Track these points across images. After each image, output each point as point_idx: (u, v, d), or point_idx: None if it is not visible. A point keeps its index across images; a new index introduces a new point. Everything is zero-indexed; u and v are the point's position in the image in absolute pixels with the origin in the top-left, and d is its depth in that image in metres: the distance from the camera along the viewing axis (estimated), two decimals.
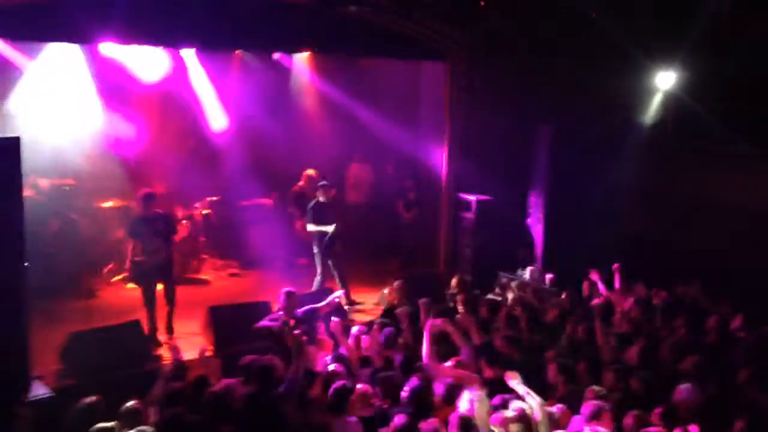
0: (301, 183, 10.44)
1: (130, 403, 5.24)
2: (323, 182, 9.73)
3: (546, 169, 10.63)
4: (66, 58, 9.74)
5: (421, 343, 6.39)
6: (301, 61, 11.69)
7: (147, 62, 10.34)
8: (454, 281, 8.98)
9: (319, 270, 9.62)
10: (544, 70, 10.34)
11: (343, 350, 6.66)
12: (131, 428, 4.99)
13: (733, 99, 9.31)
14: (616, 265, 8.40)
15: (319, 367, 6.24)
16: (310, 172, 10.41)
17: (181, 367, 6.31)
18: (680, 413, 5.32)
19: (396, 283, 8.82)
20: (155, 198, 8.30)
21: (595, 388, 5.57)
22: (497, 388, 5.52)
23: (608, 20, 9.69)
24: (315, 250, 9.64)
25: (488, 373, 6.02)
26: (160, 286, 8.33)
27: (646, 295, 8.14)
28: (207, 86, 11.02)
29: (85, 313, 8.44)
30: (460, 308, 7.68)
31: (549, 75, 10.32)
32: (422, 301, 7.34)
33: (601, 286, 8.27)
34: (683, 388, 5.52)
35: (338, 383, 5.50)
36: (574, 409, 5.31)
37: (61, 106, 9.93)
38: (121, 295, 9.57)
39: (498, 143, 10.49)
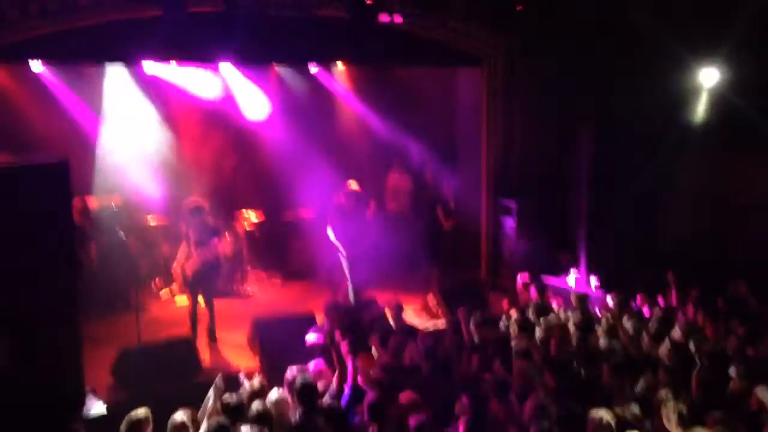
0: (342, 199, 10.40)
1: (178, 417, 5.32)
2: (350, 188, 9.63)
3: (587, 171, 10.52)
4: (112, 79, 10.09)
5: (461, 354, 6.40)
6: (336, 72, 11.80)
7: (191, 79, 10.60)
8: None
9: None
10: (584, 72, 10.24)
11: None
12: None
13: None
14: (669, 274, 8.24)
15: (365, 379, 6.28)
16: (353, 186, 10.39)
17: (232, 379, 6.41)
18: None
19: (434, 293, 8.82)
20: (203, 209, 8.54)
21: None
22: None
23: (648, 18, 9.57)
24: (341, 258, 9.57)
25: None
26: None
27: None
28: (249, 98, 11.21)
29: (136, 327, 8.63)
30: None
31: (588, 76, 10.22)
32: (460, 311, 7.31)
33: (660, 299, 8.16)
34: None
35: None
36: None
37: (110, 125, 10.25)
38: (170, 309, 9.79)
39: (538, 146, 10.42)
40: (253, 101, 11.26)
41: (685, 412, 5.01)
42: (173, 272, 8.92)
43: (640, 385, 5.73)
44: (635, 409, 5.29)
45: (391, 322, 7.89)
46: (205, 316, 8.64)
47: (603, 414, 4.97)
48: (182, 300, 9.80)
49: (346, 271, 9.51)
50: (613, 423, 4.88)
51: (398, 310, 7.93)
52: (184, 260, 8.51)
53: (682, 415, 4.99)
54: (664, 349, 6.55)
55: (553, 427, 4.97)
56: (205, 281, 8.58)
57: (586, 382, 6.02)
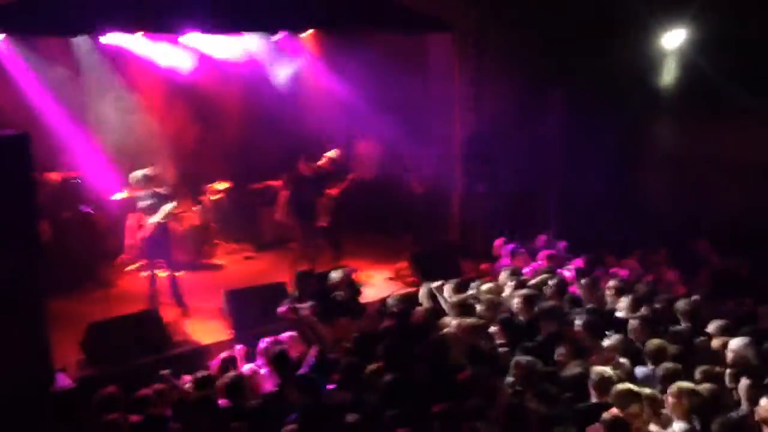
0: (322, 162, 10.38)
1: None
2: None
3: (558, 134, 10.54)
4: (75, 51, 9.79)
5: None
6: (305, 39, 11.60)
7: (156, 50, 10.34)
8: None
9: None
10: (553, 35, 10.19)
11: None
12: None
13: (743, 55, 9.16)
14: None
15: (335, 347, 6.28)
16: (331, 154, 10.24)
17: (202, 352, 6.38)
18: None
19: (406, 261, 8.85)
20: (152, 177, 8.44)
21: None
22: None
23: None
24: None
25: None
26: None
27: None
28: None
29: (104, 303, 8.50)
30: None
31: (558, 40, 10.17)
32: (435, 285, 7.30)
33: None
34: None
35: None
36: None
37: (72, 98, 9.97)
38: (138, 283, 9.64)
39: (510, 111, 10.39)
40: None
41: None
42: (125, 244, 8.76)
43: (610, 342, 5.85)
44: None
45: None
46: (167, 287, 8.53)
47: (604, 370, 5.14)
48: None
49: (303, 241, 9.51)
50: (614, 377, 5.03)
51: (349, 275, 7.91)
52: (136, 230, 8.38)
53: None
54: (623, 303, 6.71)
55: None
56: (159, 250, 8.46)
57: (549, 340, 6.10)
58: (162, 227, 8.43)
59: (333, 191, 9.96)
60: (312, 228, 9.56)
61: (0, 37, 8.75)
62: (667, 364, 5.34)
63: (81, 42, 9.77)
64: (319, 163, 10.01)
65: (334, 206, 10.07)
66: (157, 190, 8.48)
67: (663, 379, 5.20)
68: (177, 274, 8.71)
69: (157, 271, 8.56)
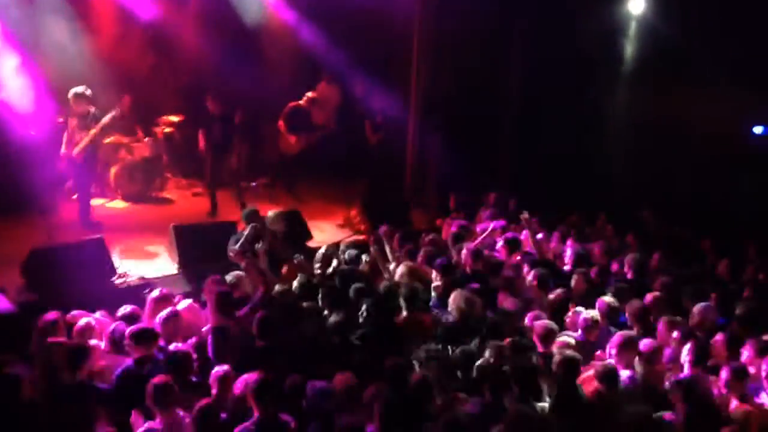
0: (301, 102, 10.32)
1: None
2: None
3: (516, 92, 10.61)
4: None
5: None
6: None
7: None
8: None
9: None
10: None
11: None
12: None
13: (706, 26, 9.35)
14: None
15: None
16: (311, 94, 10.49)
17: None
18: None
19: (358, 207, 8.89)
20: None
21: None
22: None
23: None
24: None
25: None
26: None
27: None
28: None
29: (48, 229, 8.33)
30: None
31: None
32: (383, 230, 7.38)
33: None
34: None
35: None
36: None
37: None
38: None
39: (469, 65, 10.38)
40: None
41: None
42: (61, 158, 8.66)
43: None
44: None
45: None
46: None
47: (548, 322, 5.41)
48: (96, 202, 9.51)
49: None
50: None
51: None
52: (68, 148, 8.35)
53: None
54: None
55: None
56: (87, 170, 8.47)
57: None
58: (92, 146, 8.34)
59: (301, 141, 9.89)
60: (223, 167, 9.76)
61: None
62: None
63: None
64: (301, 102, 10.17)
65: (296, 154, 10.10)
66: (93, 109, 8.35)
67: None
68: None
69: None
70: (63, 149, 8.50)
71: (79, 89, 8.38)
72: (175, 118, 10.84)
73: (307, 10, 11.44)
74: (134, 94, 10.43)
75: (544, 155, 10.26)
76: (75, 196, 8.57)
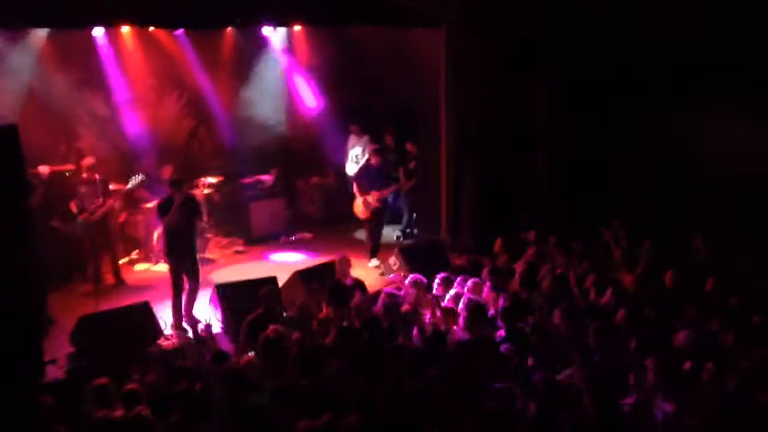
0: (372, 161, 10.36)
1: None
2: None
3: (544, 131, 10.59)
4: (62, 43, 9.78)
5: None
6: (294, 33, 11.65)
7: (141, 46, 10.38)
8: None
9: None
10: (542, 32, 10.27)
11: None
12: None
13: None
14: None
15: None
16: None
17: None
18: None
19: (395, 254, 8.93)
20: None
21: None
22: None
23: None
24: None
25: None
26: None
27: None
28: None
29: (95, 296, 8.52)
30: None
31: (547, 37, 10.25)
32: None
33: None
34: None
35: None
36: None
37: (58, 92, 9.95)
38: (129, 277, 9.68)
39: (498, 106, 10.42)
40: None
41: None
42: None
43: None
44: None
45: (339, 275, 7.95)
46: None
47: None
48: (140, 267, 9.70)
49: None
50: None
51: (345, 264, 7.96)
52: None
53: None
54: None
55: None
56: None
57: None
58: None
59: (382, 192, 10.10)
60: None
61: None
62: None
63: (71, 35, 9.76)
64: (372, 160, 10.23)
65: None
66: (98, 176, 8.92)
67: None
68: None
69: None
70: (78, 218, 8.77)
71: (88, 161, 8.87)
72: (213, 179, 11.09)
73: (334, 64, 11.74)
74: (173, 159, 10.74)
75: (577, 188, 10.17)
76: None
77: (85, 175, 9.05)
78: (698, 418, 4.62)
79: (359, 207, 10.00)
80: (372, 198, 9.93)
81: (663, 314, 6.45)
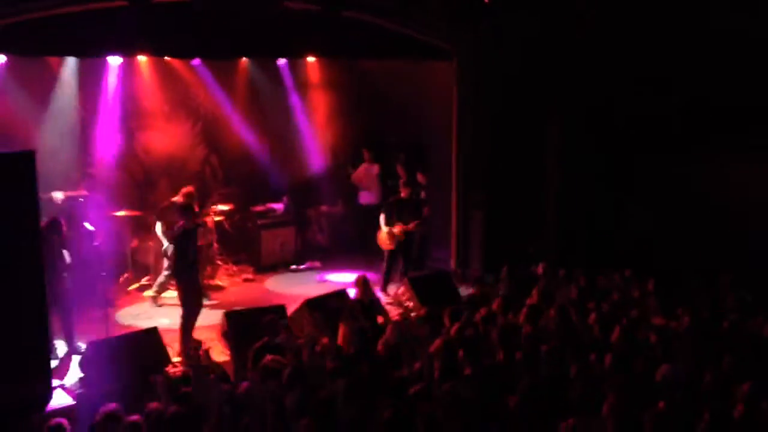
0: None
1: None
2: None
3: (557, 161, 10.65)
4: (75, 72, 9.96)
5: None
6: (307, 65, 11.82)
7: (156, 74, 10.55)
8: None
9: None
10: (553, 64, 10.36)
11: None
12: None
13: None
14: None
15: None
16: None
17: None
18: None
19: (404, 285, 8.95)
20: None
21: None
22: None
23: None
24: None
25: None
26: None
27: None
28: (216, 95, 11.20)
29: (104, 322, 8.55)
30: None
31: (558, 68, 10.34)
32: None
33: None
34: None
35: None
36: None
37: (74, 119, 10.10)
38: (139, 303, 9.72)
39: (508, 139, 10.50)
40: None
41: None
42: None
43: None
44: None
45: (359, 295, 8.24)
46: None
47: None
48: (149, 293, 9.77)
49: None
50: None
51: (365, 284, 8.27)
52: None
53: None
54: None
55: None
56: None
57: None
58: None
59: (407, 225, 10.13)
60: None
61: (2, 60, 8.92)
62: None
63: (85, 64, 9.95)
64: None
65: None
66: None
67: None
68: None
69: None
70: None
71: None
72: (224, 207, 11.17)
73: (345, 94, 11.89)
74: (185, 186, 10.83)
75: (588, 224, 10.19)
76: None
77: None
78: None
79: (384, 238, 10.00)
80: (397, 230, 9.96)
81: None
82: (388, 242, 9.99)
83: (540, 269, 9.54)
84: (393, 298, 9.77)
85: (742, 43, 9.51)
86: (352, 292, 8.58)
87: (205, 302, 8.93)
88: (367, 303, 8.16)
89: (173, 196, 10.13)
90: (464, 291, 9.68)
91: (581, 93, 10.34)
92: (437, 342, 6.31)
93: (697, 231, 9.98)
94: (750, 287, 7.98)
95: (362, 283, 8.29)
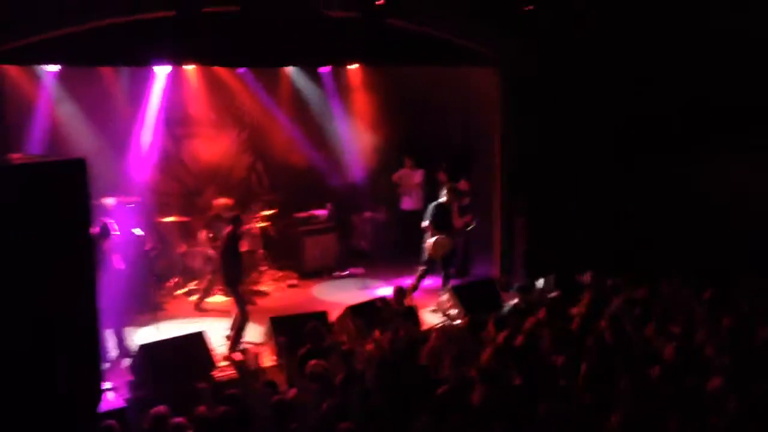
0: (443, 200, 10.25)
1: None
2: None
3: (606, 169, 10.51)
4: (124, 80, 10.21)
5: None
6: (349, 71, 11.89)
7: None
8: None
9: None
10: (599, 71, 10.25)
11: None
12: None
13: None
14: None
15: None
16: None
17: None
18: None
19: (448, 292, 8.93)
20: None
21: None
22: None
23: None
24: None
25: None
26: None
27: None
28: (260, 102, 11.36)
29: (153, 325, 8.72)
30: None
31: (604, 76, 10.23)
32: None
33: None
34: None
35: None
36: None
37: (123, 127, 10.34)
38: (186, 307, 9.88)
39: (553, 146, 10.39)
40: None
41: None
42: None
43: None
44: None
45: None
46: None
47: None
48: (194, 298, 9.95)
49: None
50: None
51: (400, 294, 8.46)
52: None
53: None
54: None
55: None
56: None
57: None
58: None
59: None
60: None
61: (56, 68, 9.16)
62: None
63: (134, 72, 10.16)
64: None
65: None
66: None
67: None
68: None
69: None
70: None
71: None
72: (269, 213, 11.29)
73: (389, 100, 11.91)
74: (232, 193, 11.00)
75: (637, 232, 10.03)
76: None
77: None
78: None
79: (431, 245, 9.94)
80: (444, 238, 9.90)
81: None
82: (434, 249, 9.89)
83: (587, 277, 9.43)
84: (437, 305, 9.72)
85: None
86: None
87: (250, 307, 9.02)
88: (404, 311, 8.29)
89: (218, 204, 10.32)
90: (508, 299, 9.61)
91: (632, 98, 10.19)
92: (487, 350, 6.27)
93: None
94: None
95: (398, 293, 8.50)
